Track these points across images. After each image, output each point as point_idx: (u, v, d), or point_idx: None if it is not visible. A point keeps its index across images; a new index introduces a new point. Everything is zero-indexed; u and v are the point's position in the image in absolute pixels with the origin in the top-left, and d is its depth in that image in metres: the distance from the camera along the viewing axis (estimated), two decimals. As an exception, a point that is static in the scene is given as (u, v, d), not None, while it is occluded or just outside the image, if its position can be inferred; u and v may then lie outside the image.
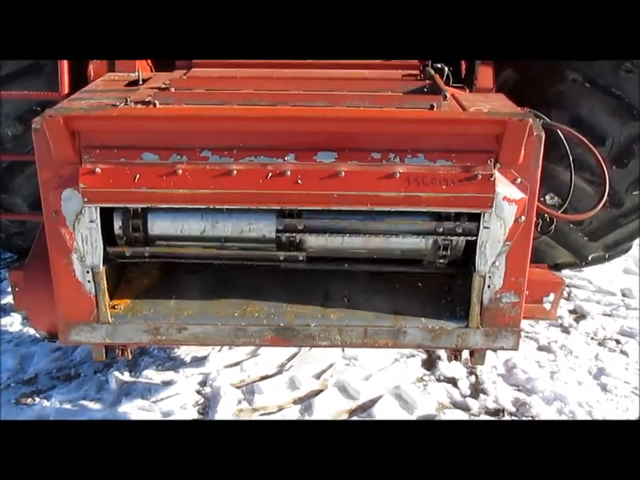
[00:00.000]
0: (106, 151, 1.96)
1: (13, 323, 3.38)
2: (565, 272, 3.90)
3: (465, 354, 2.29)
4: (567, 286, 3.79)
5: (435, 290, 2.26)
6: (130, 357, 2.25)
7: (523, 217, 1.98)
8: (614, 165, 3.14)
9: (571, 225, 3.25)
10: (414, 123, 2.00)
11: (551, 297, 2.44)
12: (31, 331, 3.24)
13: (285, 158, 1.95)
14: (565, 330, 3.31)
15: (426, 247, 2.16)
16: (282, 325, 2.11)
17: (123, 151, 1.96)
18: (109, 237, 2.08)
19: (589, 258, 3.56)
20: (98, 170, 1.94)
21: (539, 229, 2.33)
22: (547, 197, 2.83)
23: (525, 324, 3.29)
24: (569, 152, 2.45)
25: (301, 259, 2.13)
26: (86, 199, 1.94)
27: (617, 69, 3.05)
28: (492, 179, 1.94)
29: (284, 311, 2.15)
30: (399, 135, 1.98)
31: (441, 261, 2.19)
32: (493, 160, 1.97)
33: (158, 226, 2.11)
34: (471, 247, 2.10)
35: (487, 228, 1.99)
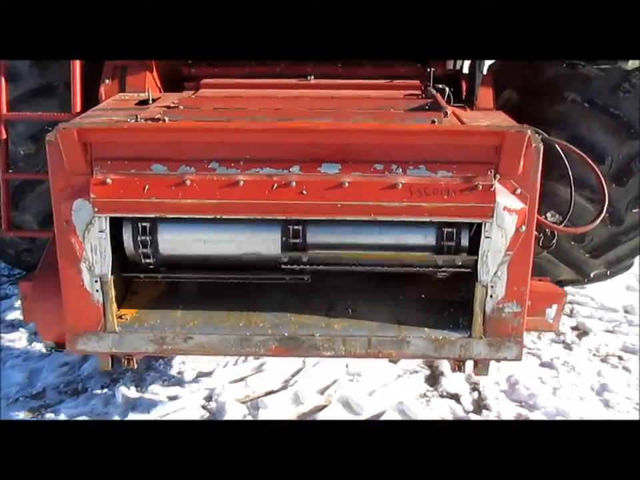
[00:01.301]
0: (117, 162, 2.02)
1: (21, 338, 3.42)
2: (568, 289, 3.91)
3: (469, 365, 2.30)
4: (570, 302, 3.81)
5: (438, 300, 2.29)
6: (136, 366, 2.29)
7: (524, 227, 2.02)
8: (613, 183, 3.19)
9: (573, 242, 3.29)
10: (415, 135, 2.05)
11: (554, 309, 2.45)
12: (39, 346, 3.29)
13: (290, 169, 2.01)
14: (568, 346, 3.33)
15: (428, 255, 2.17)
16: (286, 334, 2.15)
17: (133, 162, 2.03)
18: (118, 247, 2.14)
19: (591, 275, 3.59)
20: (109, 181, 2.00)
21: (540, 244, 2.34)
22: (549, 215, 2.87)
23: (527, 340, 3.32)
24: (568, 167, 2.50)
25: (307, 279, 2.19)
26: (96, 209, 2.00)
27: (615, 90, 3.12)
28: (492, 189, 1.99)
29: (288, 321, 2.19)
30: (401, 147, 2.03)
31: (443, 274, 2.22)
32: (492, 171, 2.01)
33: (166, 238, 2.16)
34: (472, 261, 2.12)
35: (488, 238, 2.02)
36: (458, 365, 2.26)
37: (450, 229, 2.10)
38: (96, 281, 2.09)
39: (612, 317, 3.70)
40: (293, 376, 3.08)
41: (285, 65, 3.15)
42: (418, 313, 2.23)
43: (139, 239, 2.14)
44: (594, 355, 3.30)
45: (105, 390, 3.02)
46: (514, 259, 2.05)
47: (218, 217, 2.05)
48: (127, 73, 2.94)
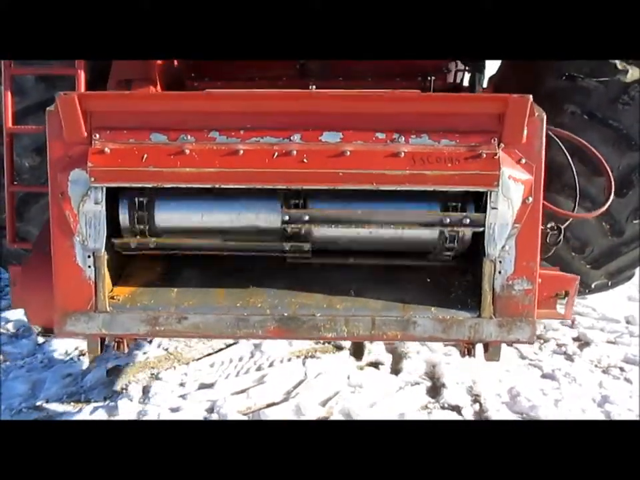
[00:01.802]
0: (116, 132, 2.01)
1: (24, 348, 3.44)
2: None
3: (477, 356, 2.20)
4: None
5: (443, 283, 2.21)
6: (126, 350, 2.19)
7: (531, 198, 1.98)
8: (614, 195, 3.21)
9: (573, 253, 3.30)
10: (417, 101, 2.04)
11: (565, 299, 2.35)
12: (42, 357, 3.31)
13: (291, 138, 1.99)
14: (569, 357, 3.33)
15: (432, 237, 2.13)
16: (286, 314, 2.06)
17: (133, 132, 2.01)
18: (114, 228, 2.10)
19: (592, 285, 3.60)
20: (107, 150, 1.98)
21: (547, 240, 2.30)
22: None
23: (527, 350, 3.33)
24: (569, 158, 2.49)
25: (307, 249, 2.12)
26: (93, 179, 1.97)
27: (614, 102, 3.14)
28: (496, 157, 1.96)
29: (288, 302, 2.11)
30: (403, 115, 2.00)
31: (448, 253, 2.17)
32: (496, 139, 1.98)
33: (163, 216, 2.13)
34: (478, 238, 2.06)
35: (494, 209, 1.97)
36: (467, 349, 2.16)
37: (455, 203, 2.06)
38: (89, 256, 2.02)
39: (613, 328, 3.70)
40: (294, 387, 3.09)
41: (287, 79, 3.19)
42: (424, 294, 2.15)
43: (135, 214, 2.10)
44: (595, 366, 3.30)
45: (108, 401, 3.03)
46: (522, 232, 1.99)
47: (217, 186, 2.01)
48: (131, 88, 2.98)
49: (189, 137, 2.00)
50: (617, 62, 3.24)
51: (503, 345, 3.25)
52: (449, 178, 1.96)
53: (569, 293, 2.26)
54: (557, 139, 2.35)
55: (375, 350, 3.31)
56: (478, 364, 3.13)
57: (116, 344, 2.15)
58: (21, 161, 3.17)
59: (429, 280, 2.22)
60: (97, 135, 2.00)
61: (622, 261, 3.41)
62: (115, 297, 2.10)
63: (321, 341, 3.41)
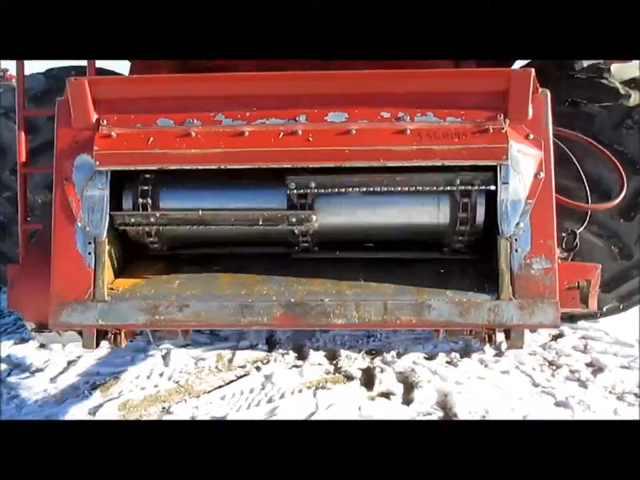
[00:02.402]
0: (123, 117, 2.04)
1: (38, 383, 3.45)
2: (581, 323, 3.92)
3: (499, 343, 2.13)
4: (583, 338, 3.78)
5: (458, 273, 2.15)
6: (124, 344, 2.11)
7: (542, 174, 1.96)
8: (621, 218, 3.22)
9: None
10: (419, 79, 2.04)
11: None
12: (54, 392, 3.32)
13: (297, 119, 2.01)
14: (583, 384, 3.29)
15: (443, 221, 2.11)
16: (293, 300, 2.00)
17: (140, 117, 2.04)
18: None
19: (604, 309, 3.59)
20: (113, 134, 2.01)
21: (563, 246, 2.29)
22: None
23: (539, 377, 3.29)
24: (576, 162, 2.51)
25: (314, 218, 2.05)
26: (98, 162, 1.98)
27: (618, 127, 3.17)
28: (503, 131, 1.95)
29: (295, 289, 2.05)
30: (407, 94, 2.01)
31: (460, 238, 2.14)
32: (502, 115, 1.99)
33: (168, 202, 2.12)
34: (490, 226, 2.03)
35: (505, 183, 1.95)
36: (488, 336, 2.05)
37: (465, 199, 2.03)
38: (89, 243, 2.01)
39: (627, 352, 3.65)
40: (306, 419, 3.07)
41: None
42: (437, 278, 2.09)
43: (139, 201, 2.10)
44: (610, 392, 3.25)
45: (119, 435, 3.03)
46: (536, 208, 1.96)
47: (222, 167, 2.00)
48: None
49: (195, 120, 2.03)
50: (620, 86, 3.28)
51: (516, 371, 3.30)
52: (456, 152, 1.94)
53: (590, 282, 2.16)
54: (562, 145, 2.36)
55: (386, 380, 3.29)
56: (490, 392, 3.11)
57: (113, 336, 2.07)
58: (34, 197, 3.25)
59: (442, 271, 2.17)
60: (105, 121, 2.03)
61: (633, 284, 3.40)
62: (115, 288, 2.06)
63: (332, 372, 3.41)
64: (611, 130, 3.16)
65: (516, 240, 1.96)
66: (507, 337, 2.04)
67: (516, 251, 1.96)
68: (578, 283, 2.16)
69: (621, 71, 3.34)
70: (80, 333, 2.09)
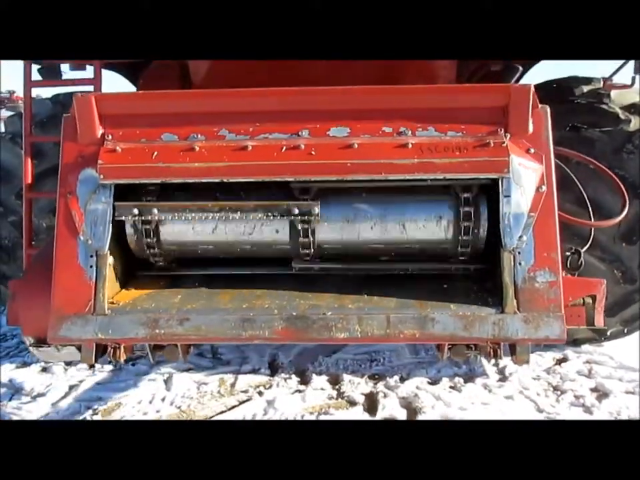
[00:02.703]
0: (128, 132, 2.07)
1: (38, 408, 3.43)
2: (585, 347, 3.89)
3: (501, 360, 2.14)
4: (587, 362, 3.75)
5: (461, 288, 2.14)
6: (123, 359, 2.08)
7: (544, 187, 1.98)
8: (624, 242, 3.22)
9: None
10: (420, 94, 2.07)
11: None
12: (55, 417, 3.29)
13: (299, 133, 2.04)
14: (588, 410, 3.25)
15: (445, 235, 2.13)
16: (294, 314, 1.99)
17: (144, 131, 2.07)
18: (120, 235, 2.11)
19: (608, 333, 3.57)
20: (118, 149, 2.04)
21: (568, 265, 2.29)
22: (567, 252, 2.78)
23: (544, 402, 3.26)
24: (579, 184, 2.52)
25: (317, 211, 2.04)
26: (102, 176, 2.01)
27: (618, 151, 3.19)
28: (504, 145, 1.97)
29: (297, 303, 2.04)
30: (409, 110, 2.04)
31: (463, 250, 2.14)
32: (502, 130, 2.01)
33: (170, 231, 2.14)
34: (493, 237, 2.05)
35: (507, 196, 1.97)
36: (493, 350, 2.03)
37: (468, 208, 2.06)
38: (91, 256, 2.02)
39: (632, 377, 3.62)
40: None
41: None
42: (441, 292, 2.08)
43: (142, 227, 2.12)
44: (615, 418, 3.22)
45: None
46: (538, 221, 1.97)
47: (225, 180, 2.02)
48: None
49: (199, 135, 2.06)
50: (620, 112, 3.31)
51: (520, 396, 3.27)
52: (458, 165, 1.97)
53: (596, 298, 2.14)
54: (566, 167, 2.38)
55: (389, 405, 3.26)
56: (493, 417, 3.08)
57: (112, 350, 2.05)
58: (39, 221, 3.27)
59: (445, 286, 2.17)
60: (110, 136, 2.07)
61: (636, 307, 3.39)
62: (115, 302, 2.06)
63: (334, 397, 3.38)
64: (611, 155, 3.18)
65: (519, 253, 1.97)
66: (513, 352, 2.02)
67: (520, 264, 1.97)
68: (583, 299, 2.14)
69: (621, 96, 3.37)
70: (79, 349, 2.09)
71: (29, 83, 3.06)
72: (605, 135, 3.22)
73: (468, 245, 2.13)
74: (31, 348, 2.21)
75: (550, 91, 3.52)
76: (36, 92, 3.69)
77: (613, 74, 3.42)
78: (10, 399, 3.50)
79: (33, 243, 3.03)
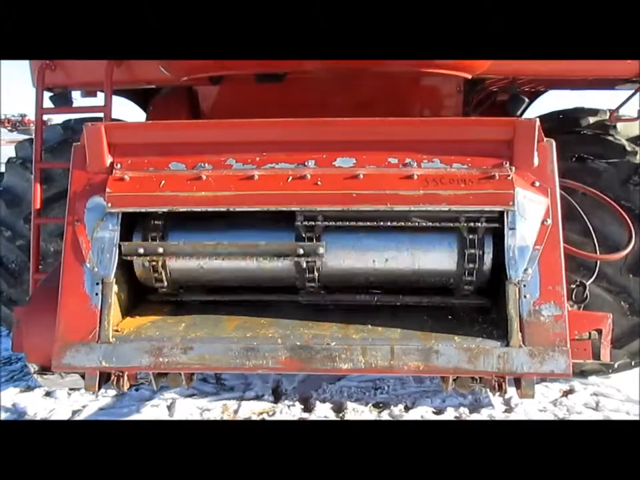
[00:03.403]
0: (137, 160, 2.10)
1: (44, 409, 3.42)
2: (592, 379, 3.85)
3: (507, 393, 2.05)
4: (595, 394, 3.71)
5: (466, 320, 2.14)
6: (126, 388, 2.08)
7: (549, 220, 1.99)
8: (630, 274, 3.20)
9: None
10: (427, 125, 2.10)
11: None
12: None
13: (305, 163, 2.06)
14: (595, 443, 3.21)
15: (450, 266, 2.13)
16: (298, 344, 1.99)
17: (153, 160, 2.10)
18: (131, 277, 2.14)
19: (615, 365, 3.53)
20: (126, 177, 2.06)
21: (573, 298, 2.28)
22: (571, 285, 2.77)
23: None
24: (582, 214, 2.59)
25: (322, 251, 2.05)
26: (110, 204, 2.04)
27: (625, 183, 3.20)
28: (509, 178, 1.98)
29: (301, 333, 2.04)
30: (415, 142, 2.07)
31: (467, 282, 2.14)
32: (508, 163, 2.02)
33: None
34: (498, 269, 2.05)
35: (512, 229, 1.98)
36: (498, 384, 1.99)
37: (472, 236, 2.07)
38: (97, 284, 2.03)
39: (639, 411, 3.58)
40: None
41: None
42: (445, 324, 2.08)
43: (150, 264, 2.14)
44: (623, 453, 3.17)
45: None
46: (543, 254, 1.97)
47: (232, 209, 2.05)
48: None
49: (206, 164, 2.09)
50: (626, 143, 3.32)
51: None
52: (463, 197, 1.98)
53: (602, 332, 2.12)
54: (569, 197, 2.38)
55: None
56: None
57: (115, 379, 2.05)
58: (46, 245, 3.29)
59: (450, 317, 2.17)
60: (119, 165, 2.10)
61: (643, 340, 3.35)
62: (120, 330, 2.07)
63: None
64: (618, 186, 3.18)
65: (524, 286, 1.97)
66: (518, 386, 2.00)
67: (525, 297, 1.96)
68: (589, 333, 2.13)
69: (627, 128, 3.39)
70: (82, 376, 2.10)
71: (40, 110, 3.11)
72: (611, 166, 3.22)
73: (472, 276, 2.14)
74: (35, 375, 2.22)
75: (556, 122, 3.56)
76: (47, 117, 3.75)
77: (619, 106, 3.43)
78: (12, 423, 3.49)
79: (40, 267, 3.05)
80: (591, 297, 2.58)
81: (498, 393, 2.00)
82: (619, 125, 3.36)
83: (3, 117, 16.48)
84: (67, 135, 3.61)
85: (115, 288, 2.07)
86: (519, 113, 3.93)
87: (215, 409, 3.57)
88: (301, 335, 2.03)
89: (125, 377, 2.07)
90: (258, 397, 3.68)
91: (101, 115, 3.08)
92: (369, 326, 2.08)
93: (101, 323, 2.01)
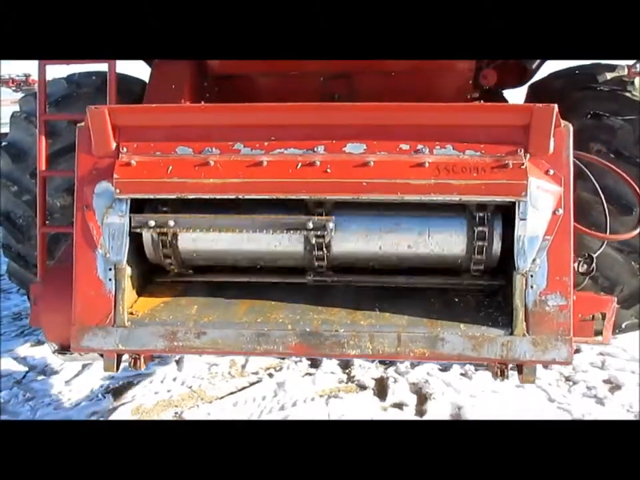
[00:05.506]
0: (143, 144, 2.06)
1: (52, 386, 3.48)
2: (599, 338, 3.85)
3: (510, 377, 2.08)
4: (601, 354, 3.72)
5: (472, 303, 2.15)
6: (143, 368, 2.14)
7: (561, 210, 1.95)
8: (643, 233, 3.15)
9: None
10: (440, 112, 2.02)
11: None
12: (69, 395, 3.34)
13: (315, 149, 2.01)
14: (600, 401, 3.23)
15: (460, 249, 2.11)
16: (308, 330, 2.02)
17: (159, 145, 2.06)
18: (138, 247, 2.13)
19: (623, 325, 3.52)
20: (133, 162, 2.03)
21: (579, 270, 2.23)
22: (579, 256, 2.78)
23: (556, 392, 3.24)
24: (594, 181, 2.49)
25: (331, 227, 2.03)
26: (118, 190, 2.01)
27: (640, 141, 3.11)
28: (523, 167, 1.93)
29: (310, 318, 2.06)
30: (426, 126, 2.00)
31: (476, 265, 2.13)
32: (522, 150, 1.96)
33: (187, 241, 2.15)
34: (507, 256, 2.03)
35: (523, 220, 1.95)
36: (501, 370, 2.02)
37: (482, 228, 2.05)
38: (110, 269, 2.04)
39: (645, 370, 3.59)
40: (318, 428, 3.05)
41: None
42: (451, 310, 2.09)
43: (159, 238, 2.12)
44: (627, 411, 3.20)
45: (132, 440, 3.03)
46: (553, 244, 1.95)
47: (240, 197, 2.02)
48: None
49: (213, 149, 2.04)
50: (642, 101, 3.22)
51: (531, 386, 3.25)
52: (475, 187, 1.94)
53: (605, 315, 2.15)
54: (582, 166, 2.33)
55: (399, 390, 3.26)
56: (504, 406, 3.08)
57: (132, 360, 2.11)
58: (53, 200, 3.26)
59: (456, 300, 2.17)
60: (125, 149, 2.06)
61: (653, 301, 3.33)
62: (134, 313, 2.09)
63: (345, 381, 3.39)
64: (633, 144, 3.10)
65: (532, 276, 1.96)
66: (519, 372, 2.03)
67: (531, 287, 1.96)
68: (593, 315, 2.15)
69: (645, 84, 3.29)
70: (101, 355, 2.15)
71: (43, 61, 3.04)
72: (627, 123, 3.13)
73: (481, 260, 2.11)
74: (55, 353, 2.28)
75: (572, 78, 3.46)
76: (51, 74, 3.68)
77: (637, 61, 3.32)
78: (24, 377, 3.56)
79: (47, 222, 3.03)
80: (602, 256, 2.56)
81: (500, 379, 2.04)
82: (637, 81, 3.26)
83: (7, 77, 16.26)
84: (71, 89, 3.54)
85: (128, 271, 2.08)
86: (532, 68, 3.83)
87: (223, 364, 3.62)
88: (311, 320, 2.04)
89: (142, 359, 2.13)
90: (265, 353, 3.72)
91: (105, 66, 3.00)
92: (377, 311, 2.09)
93: (116, 307, 2.04)
